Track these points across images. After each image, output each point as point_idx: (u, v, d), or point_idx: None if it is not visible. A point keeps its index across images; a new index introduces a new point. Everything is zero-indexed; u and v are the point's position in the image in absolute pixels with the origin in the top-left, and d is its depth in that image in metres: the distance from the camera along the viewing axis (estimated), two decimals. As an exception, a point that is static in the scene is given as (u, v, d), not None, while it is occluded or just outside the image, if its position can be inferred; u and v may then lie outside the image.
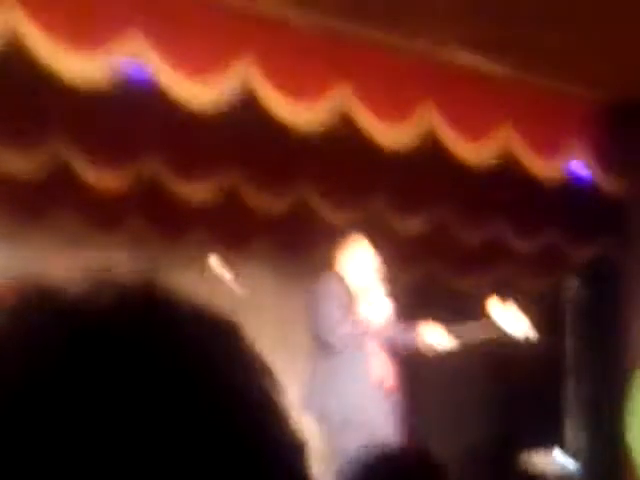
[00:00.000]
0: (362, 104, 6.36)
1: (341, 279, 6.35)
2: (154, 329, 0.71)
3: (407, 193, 8.05)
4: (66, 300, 0.73)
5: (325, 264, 6.50)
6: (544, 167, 7.24)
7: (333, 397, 6.13)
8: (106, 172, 7.12)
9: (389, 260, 6.63)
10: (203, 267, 6.80)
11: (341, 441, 5.90)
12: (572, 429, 7.23)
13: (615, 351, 7.72)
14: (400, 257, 7.80)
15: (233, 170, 7.59)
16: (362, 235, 6.50)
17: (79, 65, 5.37)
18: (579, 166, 7.62)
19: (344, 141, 6.98)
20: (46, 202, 7.43)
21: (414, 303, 7.89)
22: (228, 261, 6.74)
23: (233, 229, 8.06)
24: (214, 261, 6.68)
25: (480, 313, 6.81)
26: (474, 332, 6.72)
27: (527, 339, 6.67)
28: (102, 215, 7.62)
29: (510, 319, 6.67)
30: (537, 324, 6.75)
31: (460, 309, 7.66)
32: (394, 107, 6.51)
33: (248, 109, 6.19)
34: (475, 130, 6.85)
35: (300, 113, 6.13)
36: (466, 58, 6.80)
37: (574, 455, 7.38)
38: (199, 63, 5.76)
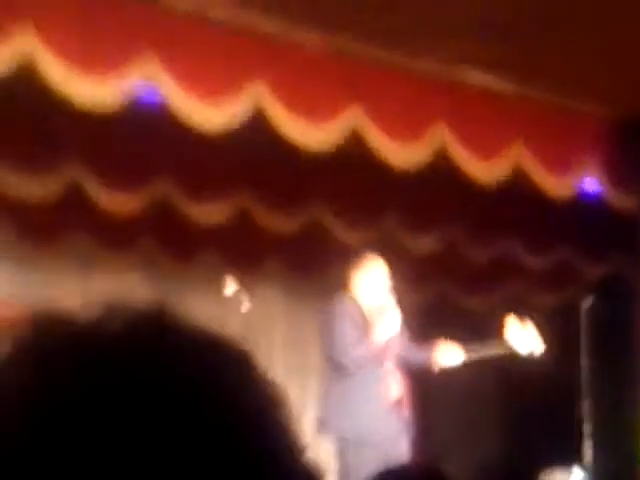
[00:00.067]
0: (374, 124, 6.38)
1: (354, 299, 6.34)
2: (165, 357, 0.71)
3: (419, 212, 8.05)
4: (77, 326, 0.73)
5: (338, 284, 6.49)
6: (556, 184, 7.24)
7: (347, 418, 6.12)
8: (118, 195, 7.15)
9: (402, 279, 6.62)
10: (216, 288, 6.80)
11: (356, 461, 5.88)
12: (589, 447, 7.19)
13: (631, 369, 7.68)
14: (413, 276, 7.80)
15: (245, 191, 7.61)
16: (375, 254, 6.50)
17: (92, 89, 5.39)
18: (591, 183, 7.62)
19: (356, 161, 6.99)
20: (59, 225, 7.46)
21: (427, 322, 7.88)
22: (241, 282, 6.74)
23: (245, 250, 8.07)
24: (229, 282, 6.68)
25: (494, 331, 6.79)
26: (488, 350, 6.70)
27: (541, 357, 6.65)
28: (114, 237, 7.64)
29: (525, 337, 6.65)
30: (551, 342, 6.73)
31: (474, 328, 7.64)
32: (406, 127, 6.52)
33: (259, 130, 6.21)
34: (487, 149, 6.86)
35: (312, 134, 6.15)
36: (477, 77, 6.82)
37: (592, 473, 7.34)
38: (211, 86, 5.78)
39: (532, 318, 6.83)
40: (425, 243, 8.22)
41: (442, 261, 8.49)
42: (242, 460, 0.69)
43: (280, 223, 7.83)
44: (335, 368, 6.27)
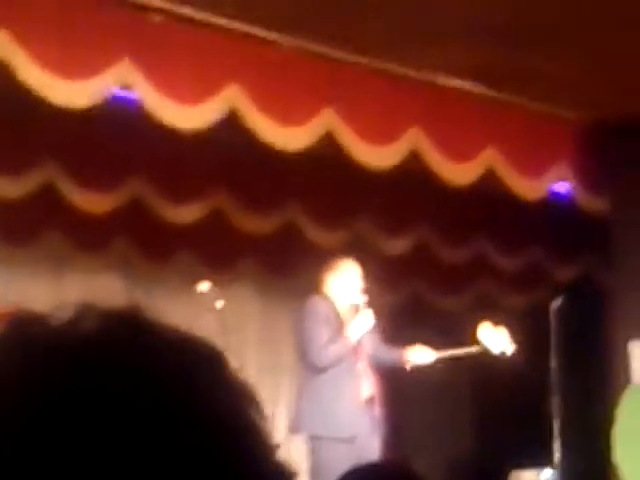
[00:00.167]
0: (348, 126, 6.40)
1: (328, 300, 6.38)
2: (138, 357, 0.71)
3: (392, 213, 8.09)
4: (50, 326, 0.73)
5: (311, 284, 6.52)
6: (527, 187, 7.29)
7: (320, 416, 6.15)
8: (93, 194, 7.14)
9: (375, 280, 6.66)
10: (190, 288, 6.81)
11: (328, 459, 5.92)
12: (559, 446, 7.24)
13: (600, 370, 7.74)
14: (386, 277, 7.83)
15: (220, 192, 7.62)
16: (348, 256, 6.53)
17: (68, 91, 5.39)
18: (562, 185, 7.68)
19: (330, 162, 7.02)
20: (32, 224, 7.43)
21: (400, 322, 7.92)
22: (214, 282, 6.76)
23: (220, 250, 8.08)
24: (203, 282, 6.70)
25: (466, 331, 6.84)
26: (460, 350, 6.76)
27: (512, 357, 6.70)
28: (89, 237, 7.62)
29: (497, 337, 6.70)
30: (522, 342, 6.78)
31: (446, 327, 7.70)
32: (380, 129, 6.55)
33: (234, 131, 6.22)
34: (460, 152, 6.90)
35: (287, 135, 6.17)
36: (451, 81, 6.86)
37: (561, 472, 7.39)
38: (186, 87, 5.79)
39: (501, 319, 6.89)
40: (398, 244, 8.26)
41: (415, 262, 8.53)
42: (214, 459, 0.70)
43: (255, 223, 7.85)
44: (308, 367, 6.30)
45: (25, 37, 5.26)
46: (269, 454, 0.73)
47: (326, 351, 6.19)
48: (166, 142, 6.36)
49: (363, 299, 6.34)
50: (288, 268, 8.39)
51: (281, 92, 6.14)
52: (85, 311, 0.73)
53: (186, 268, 7.92)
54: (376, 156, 6.58)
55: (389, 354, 6.51)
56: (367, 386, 6.30)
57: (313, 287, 6.47)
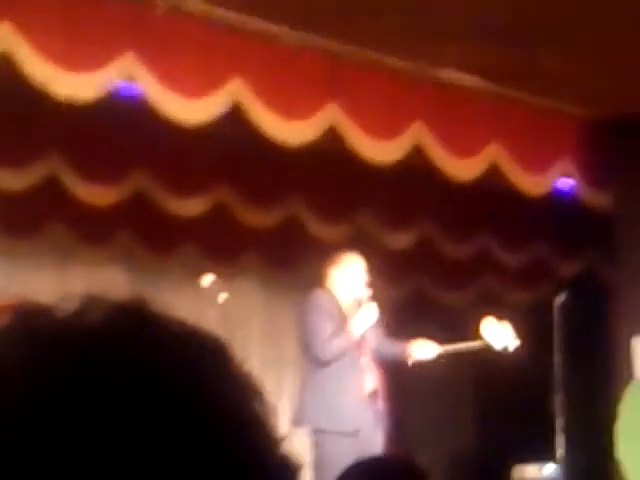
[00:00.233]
0: (352, 121, 6.40)
1: (331, 294, 6.38)
2: (142, 349, 0.71)
3: (396, 208, 8.09)
4: (55, 318, 0.73)
5: (315, 278, 6.52)
6: (531, 182, 7.29)
7: (323, 409, 6.16)
8: (97, 187, 7.15)
9: (378, 275, 6.66)
10: (194, 281, 6.82)
11: (332, 453, 5.92)
12: (562, 442, 7.24)
13: (603, 365, 7.75)
14: (389, 272, 7.83)
15: (223, 185, 7.62)
16: (352, 250, 6.53)
17: (71, 84, 5.40)
18: (565, 181, 7.68)
19: (334, 157, 7.03)
20: (36, 217, 7.44)
21: (403, 317, 7.92)
22: (218, 276, 6.76)
23: (223, 244, 8.08)
24: (207, 275, 6.70)
25: (469, 326, 6.84)
26: (463, 345, 6.76)
27: (515, 352, 6.70)
28: (92, 230, 7.63)
29: (500, 333, 6.70)
30: (525, 338, 6.78)
31: (450, 322, 7.70)
32: (384, 124, 6.55)
33: (238, 125, 6.22)
34: (464, 147, 6.90)
35: (290, 130, 6.17)
36: (456, 77, 6.85)
37: (564, 468, 7.40)
38: (190, 81, 5.79)
39: (506, 314, 6.88)
40: (401, 239, 8.26)
41: (418, 257, 8.53)
42: (219, 452, 0.70)
43: (258, 217, 7.85)
44: (311, 361, 6.31)
45: (29, 30, 5.26)
46: (274, 447, 0.73)
47: (329, 345, 6.19)
48: (169, 135, 6.36)
49: (367, 293, 6.35)
50: (291, 262, 8.40)
51: (285, 86, 6.14)
52: (90, 303, 0.73)
53: (189, 261, 7.93)
54: (380, 151, 6.58)
55: (392, 348, 6.51)
56: (370, 380, 6.31)
57: (316, 281, 6.47)
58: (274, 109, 6.06)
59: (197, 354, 0.72)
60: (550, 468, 7.70)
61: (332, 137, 6.42)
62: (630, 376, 7.17)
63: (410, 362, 6.55)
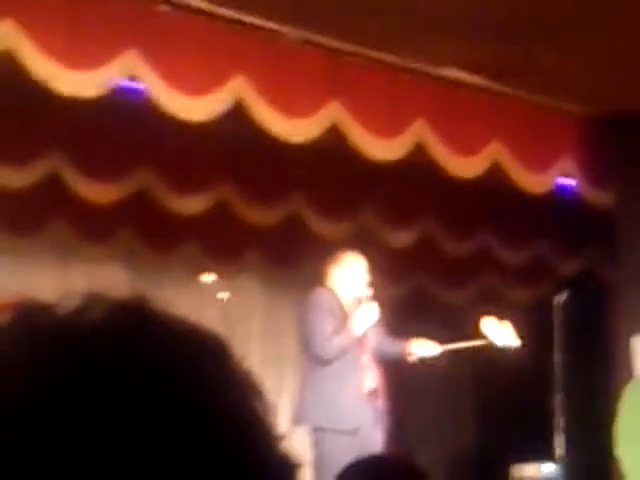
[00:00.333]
0: (354, 119, 6.40)
1: (332, 292, 6.38)
2: (143, 347, 0.71)
3: (398, 206, 8.09)
4: (56, 316, 0.73)
5: (316, 277, 6.52)
6: (532, 181, 7.29)
7: (324, 408, 6.16)
8: (99, 185, 7.15)
9: (380, 273, 6.67)
10: (195, 279, 6.82)
11: (332, 451, 5.93)
12: (561, 441, 7.25)
13: (603, 364, 7.75)
14: (390, 269, 7.84)
15: (225, 183, 7.62)
16: (353, 248, 6.54)
17: (74, 82, 5.40)
18: (567, 180, 7.68)
19: (336, 155, 7.03)
20: (38, 214, 7.44)
21: (405, 315, 7.92)
22: (219, 274, 6.77)
23: (224, 242, 8.08)
24: (208, 273, 6.71)
25: (470, 325, 6.85)
26: (464, 344, 6.77)
27: (515, 351, 6.71)
28: (94, 227, 7.63)
29: (501, 331, 6.71)
30: (526, 336, 6.78)
31: (451, 321, 7.71)
32: (386, 122, 6.55)
33: (240, 123, 6.23)
34: (466, 145, 6.90)
35: (292, 127, 6.17)
36: (457, 75, 6.86)
37: (563, 467, 7.40)
38: (193, 79, 5.79)
39: (507, 312, 6.89)
40: (403, 237, 8.26)
41: (419, 255, 8.53)
42: (218, 450, 0.70)
43: (259, 215, 7.85)
44: (312, 359, 6.31)
45: (32, 27, 5.26)
46: (273, 445, 0.73)
47: (330, 343, 6.19)
48: (172, 133, 6.37)
49: (368, 292, 6.35)
50: (292, 260, 8.40)
51: (287, 84, 6.14)
52: (91, 301, 0.73)
53: (191, 259, 7.93)
54: (381, 149, 6.58)
55: (393, 347, 6.51)
56: (370, 378, 6.31)
57: (317, 279, 6.47)
58: (276, 107, 6.07)
59: (197, 352, 0.72)
60: (549, 467, 7.71)
61: (334, 135, 6.42)
62: (630, 375, 7.17)
63: (411, 361, 6.55)
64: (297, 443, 6.14)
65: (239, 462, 0.70)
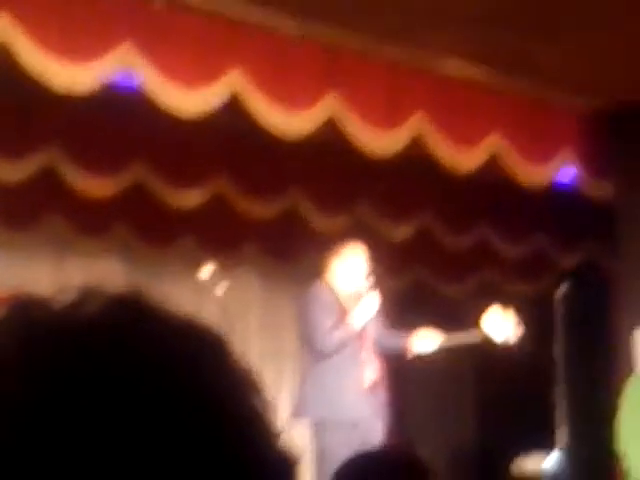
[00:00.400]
0: (351, 112, 6.38)
1: (331, 285, 6.37)
2: (140, 341, 0.71)
3: (396, 199, 8.08)
4: (52, 310, 0.73)
5: (314, 271, 6.51)
6: (532, 173, 7.27)
7: (324, 401, 6.15)
8: (95, 178, 7.13)
9: (378, 266, 6.65)
10: (192, 273, 6.80)
11: (332, 444, 5.92)
12: (563, 434, 7.24)
13: (605, 357, 7.74)
14: (389, 263, 7.82)
15: (222, 177, 7.60)
16: (352, 242, 6.52)
17: (69, 76, 5.38)
18: (566, 172, 7.66)
19: (333, 148, 7.01)
20: (34, 208, 7.43)
21: (404, 309, 7.91)
22: (217, 268, 6.74)
23: (222, 235, 8.07)
24: (206, 266, 6.68)
25: (470, 318, 6.83)
26: (464, 337, 6.74)
27: (516, 344, 6.69)
28: (90, 221, 7.62)
29: (501, 324, 6.69)
30: (526, 329, 6.77)
31: (450, 314, 7.68)
32: (384, 115, 6.53)
33: (237, 116, 6.20)
34: (464, 138, 6.88)
35: (289, 121, 6.15)
36: (456, 67, 6.83)
37: (565, 459, 7.40)
38: (189, 72, 5.77)
39: (507, 305, 6.87)
40: (401, 230, 8.25)
41: (418, 249, 8.52)
42: (217, 445, 0.69)
43: (257, 209, 7.84)
44: (312, 353, 6.30)
45: (27, 21, 5.24)
46: (272, 441, 0.73)
47: (330, 337, 6.18)
48: (168, 127, 6.35)
49: (367, 285, 6.33)
50: (290, 254, 8.39)
51: (284, 77, 6.12)
52: (87, 295, 0.73)
53: (188, 253, 7.92)
54: (379, 142, 6.56)
55: (393, 340, 6.50)
56: (371, 371, 6.29)
57: (315, 273, 6.46)
58: (273, 100, 6.04)
59: (195, 347, 0.72)
60: (551, 460, 7.70)
61: (331, 128, 6.40)
62: (631, 368, 7.16)
63: (411, 355, 6.53)
64: (298, 437, 6.13)
65: (238, 458, 0.70)
